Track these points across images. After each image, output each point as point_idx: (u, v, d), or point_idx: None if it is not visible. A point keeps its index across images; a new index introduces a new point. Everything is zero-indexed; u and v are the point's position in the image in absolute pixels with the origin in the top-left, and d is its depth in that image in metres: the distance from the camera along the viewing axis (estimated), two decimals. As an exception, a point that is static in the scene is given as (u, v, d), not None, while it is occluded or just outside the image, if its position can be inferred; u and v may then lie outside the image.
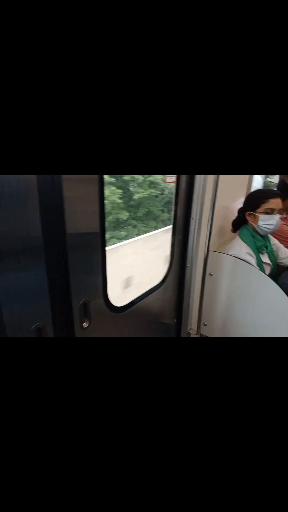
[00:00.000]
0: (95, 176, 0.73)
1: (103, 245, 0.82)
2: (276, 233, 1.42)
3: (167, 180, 0.97)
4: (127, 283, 5.04)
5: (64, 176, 0.64)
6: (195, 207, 1.13)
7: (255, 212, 1.28)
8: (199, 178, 1.07)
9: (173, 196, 1.07)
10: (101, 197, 0.76)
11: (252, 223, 1.31)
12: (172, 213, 1.10)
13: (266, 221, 1.27)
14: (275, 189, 1.68)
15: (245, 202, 1.33)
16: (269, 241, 1.39)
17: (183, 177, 1.05)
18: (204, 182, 1.08)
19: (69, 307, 0.77)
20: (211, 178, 1.08)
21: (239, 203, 1.40)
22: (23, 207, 0.59)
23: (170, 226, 1.17)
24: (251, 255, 1.32)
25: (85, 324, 0.83)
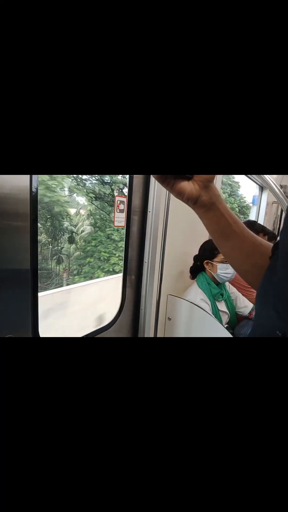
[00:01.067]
0: (27, 198, 0.70)
1: (35, 283, 0.80)
2: (234, 281, 1.45)
3: (116, 224, 1.02)
4: None
5: None
6: (147, 250, 1.17)
7: (213, 261, 1.32)
8: (149, 224, 1.12)
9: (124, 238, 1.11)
10: (35, 227, 0.73)
11: (210, 271, 1.34)
12: (123, 254, 1.13)
13: (224, 270, 1.31)
14: None
15: (202, 251, 1.38)
16: (225, 289, 1.41)
17: (135, 222, 1.11)
18: (155, 225, 1.13)
19: None
20: (161, 222, 1.13)
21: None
22: None
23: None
24: (206, 302, 1.33)
25: None
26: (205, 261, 1.34)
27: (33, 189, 0.71)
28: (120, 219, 1.03)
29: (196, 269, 1.38)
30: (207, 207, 0.46)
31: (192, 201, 0.45)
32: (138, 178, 1.09)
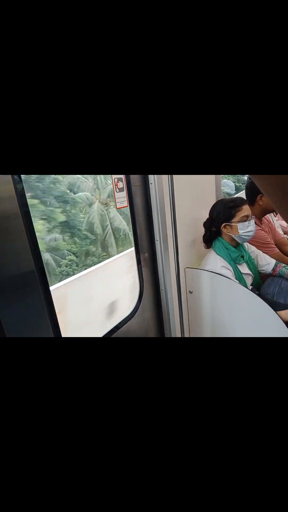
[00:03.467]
0: None
1: (44, 282, 0.70)
2: (253, 240, 1.34)
3: (118, 206, 0.89)
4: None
5: None
6: (156, 228, 1.05)
7: (231, 223, 1.20)
8: (154, 198, 0.99)
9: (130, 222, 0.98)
10: (29, 225, 0.66)
11: (229, 234, 1.22)
12: (132, 238, 1.02)
13: (245, 229, 1.20)
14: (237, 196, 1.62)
15: (215, 214, 1.25)
16: (245, 250, 1.30)
17: (137, 200, 0.97)
18: (161, 201, 1.00)
19: None
20: (167, 196, 1.01)
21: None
22: None
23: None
24: (227, 269, 1.24)
25: None
26: (223, 224, 1.22)
27: (17, 184, 0.63)
28: (121, 199, 0.89)
29: (211, 236, 1.27)
30: None
31: None
32: None
